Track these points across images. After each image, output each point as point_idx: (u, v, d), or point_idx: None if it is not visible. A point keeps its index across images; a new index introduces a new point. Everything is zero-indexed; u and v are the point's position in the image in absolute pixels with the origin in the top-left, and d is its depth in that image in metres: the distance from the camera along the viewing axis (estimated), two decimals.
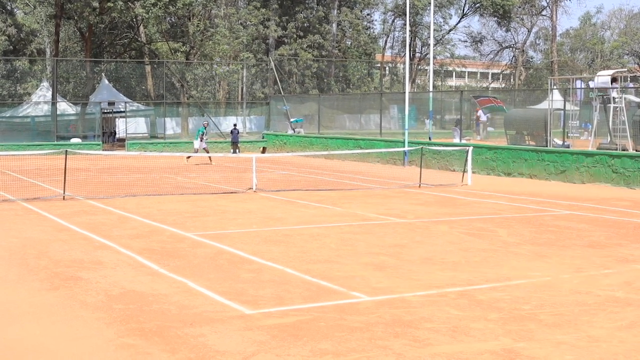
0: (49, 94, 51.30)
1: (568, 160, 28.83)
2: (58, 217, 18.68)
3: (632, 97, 38.75)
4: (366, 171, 33.70)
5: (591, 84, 35.90)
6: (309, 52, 72.27)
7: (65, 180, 22.71)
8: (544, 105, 38.69)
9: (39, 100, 51.60)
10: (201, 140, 37.92)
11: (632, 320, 9.69)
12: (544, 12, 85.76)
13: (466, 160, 28.51)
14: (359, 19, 79.39)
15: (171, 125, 53.33)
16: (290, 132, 50.35)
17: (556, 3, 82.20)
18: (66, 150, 23.87)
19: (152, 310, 10.08)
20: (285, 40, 73.00)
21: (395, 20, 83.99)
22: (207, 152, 37.22)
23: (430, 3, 48.28)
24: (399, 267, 12.85)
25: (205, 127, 38.57)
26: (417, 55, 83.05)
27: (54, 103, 48.84)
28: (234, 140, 43.83)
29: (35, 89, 57.95)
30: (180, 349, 8.44)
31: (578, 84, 43.33)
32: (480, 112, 45.72)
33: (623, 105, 30.75)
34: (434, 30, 67.64)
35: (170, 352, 8.36)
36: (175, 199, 22.72)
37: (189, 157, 36.31)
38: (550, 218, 19.05)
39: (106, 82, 53.56)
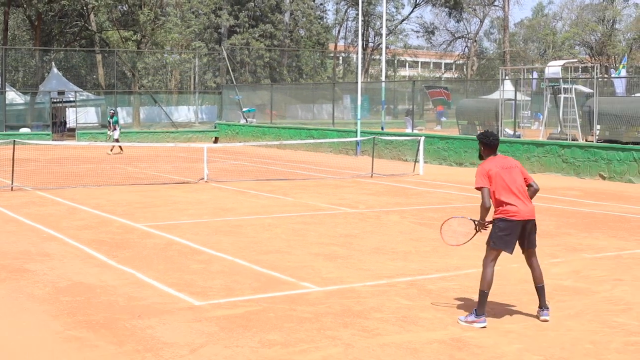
0: None
1: (519, 150, 29.03)
2: (5, 208, 18.43)
3: (582, 88, 39.19)
4: (318, 161, 33.70)
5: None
6: (260, 42, 72.04)
7: (13, 171, 22.41)
8: (496, 95, 38.97)
9: None
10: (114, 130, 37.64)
11: (579, 309, 9.79)
12: (495, 3, 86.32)
13: (418, 150, 28.61)
14: (311, 8, 79.28)
15: (122, 115, 52.82)
16: (242, 121, 50.18)
17: None
18: (14, 140, 23.58)
19: (100, 302, 9.98)
20: (237, 30, 72.69)
21: (348, 10, 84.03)
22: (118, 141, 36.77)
23: None
24: (349, 257, 12.86)
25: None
26: (370, 45, 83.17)
27: (2, 92, 48.12)
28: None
29: None
30: (128, 341, 8.37)
31: (535, 74, 43.72)
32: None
33: (573, 95, 31.05)
34: (387, 20, 67.79)
35: (118, 344, 8.28)
36: (125, 189, 22.53)
37: (112, 148, 36.22)
38: None
39: (56, 71, 52.89)
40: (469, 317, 9.05)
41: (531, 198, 9.26)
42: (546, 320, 9.19)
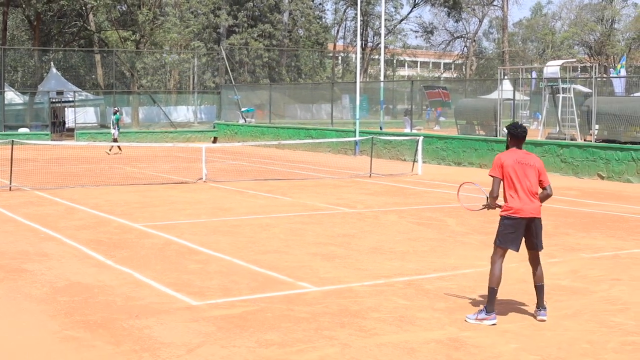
0: None
1: None
2: (4, 208, 18.41)
3: (581, 88, 39.16)
4: (317, 161, 33.69)
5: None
6: (259, 42, 71.98)
7: (11, 171, 22.39)
8: (495, 95, 38.99)
9: None
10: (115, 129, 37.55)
11: (577, 309, 9.78)
12: (495, 3, 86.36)
13: (416, 149, 28.61)
14: (310, 8, 79.25)
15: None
16: (241, 121, 50.17)
17: None
18: (12, 140, 23.58)
19: (98, 302, 9.97)
20: (236, 30, 72.65)
21: (347, 10, 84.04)
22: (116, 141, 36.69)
23: None
24: (347, 257, 12.85)
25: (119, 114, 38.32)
26: (369, 44, 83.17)
27: (1, 92, 48.06)
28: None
29: None
30: (125, 341, 8.36)
31: (534, 74, 43.65)
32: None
33: (572, 95, 31.05)
34: (386, 20, 67.76)
35: (115, 344, 8.27)
36: (124, 189, 22.52)
37: (110, 148, 36.17)
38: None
39: (54, 71, 52.83)
40: (479, 314, 9.10)
41: (542, 201, 9.34)
42: (543, 320, 9.21)
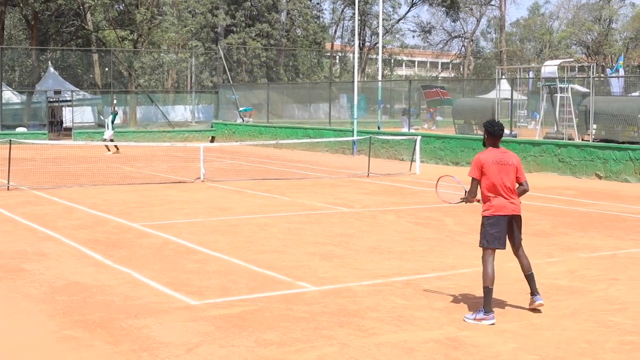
0: None
1: (515, 150, 28.97)
2: (2, 207, 18.40)
3: (578, 87, 39.20)
4: (315, 160, 33.68)
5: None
6: (257, 41, 71.96)
7: (9, 170, 22.36)
8: (492, 94, 39.03)
9: None
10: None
11: (575, 309, 9.79)
12: (492, 2, 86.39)
13: (414, 149, 28.60)
14: (308, 7, 79.26)
15: (118, 114, 52.75)
16: (239, 121, 50.15)
17: None
18: (10, 140, 23.56)
19: (96, 301, 9.97)
20: (234, 29, 72.63)
21: (345, 9, 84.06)
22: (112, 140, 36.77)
23: None
24: (345, 257, 12.86)
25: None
26: (367, 44, 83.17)
27: None
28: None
29: None
30: (124, 341, 8.36)
31: (531, 74, 43.71)
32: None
33: (570, 95, 31.08)
34: (383, 19, 67.76)
35: (114, 343, 8.28)
36: (121, 188, 22.51)
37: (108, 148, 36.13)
38: None
39: (52, 70, 52.78)
40: (477, 314, 9.12)
41: (519, 196, 9.50)
42: (541, 304, 9.40)
